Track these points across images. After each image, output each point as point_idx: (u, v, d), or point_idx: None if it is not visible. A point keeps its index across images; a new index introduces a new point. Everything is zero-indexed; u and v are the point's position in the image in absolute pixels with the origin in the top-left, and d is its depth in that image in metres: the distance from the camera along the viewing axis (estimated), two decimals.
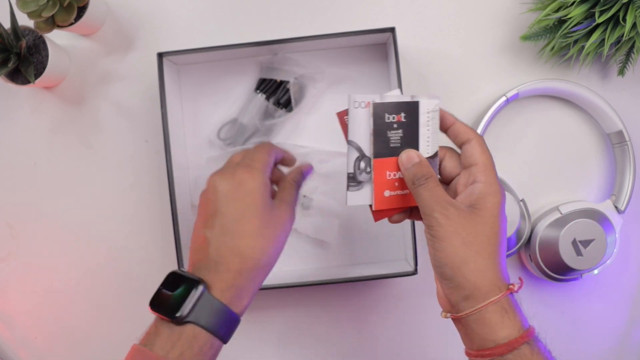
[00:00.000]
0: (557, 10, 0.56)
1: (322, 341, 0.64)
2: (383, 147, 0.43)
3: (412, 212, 0.47)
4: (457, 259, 0.40)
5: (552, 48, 0.59)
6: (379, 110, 0.43)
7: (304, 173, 0.50)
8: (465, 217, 0.41)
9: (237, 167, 0.45)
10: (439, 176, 0.45)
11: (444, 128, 0.46)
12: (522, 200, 0.58)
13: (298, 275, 0.61)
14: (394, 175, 0.44)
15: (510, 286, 0.41)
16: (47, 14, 0.55)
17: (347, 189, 0.44)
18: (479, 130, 0.59)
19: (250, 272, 0.43)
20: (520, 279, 0.43)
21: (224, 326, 0.43)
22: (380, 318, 0.63)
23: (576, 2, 0.54)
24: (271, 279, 0.60)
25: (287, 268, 0.63)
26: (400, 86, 0.56)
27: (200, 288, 0.41)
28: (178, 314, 0.40)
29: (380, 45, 0.62)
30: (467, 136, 0.44)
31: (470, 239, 0.40)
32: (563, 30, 0.56)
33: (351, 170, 0.44)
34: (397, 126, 0.44)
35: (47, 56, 0.59)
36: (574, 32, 0.56)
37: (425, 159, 0.44)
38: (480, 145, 0.43)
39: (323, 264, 0.63)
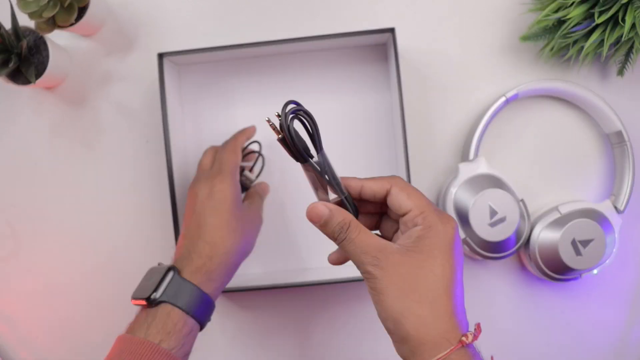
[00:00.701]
0: (556, 11, 0.56)
1: (305, 340, 0.64)
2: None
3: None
4: (396, 311, 0.36)
5: (552, 48, 0.59)
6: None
7: (265, 189, 0.61)
8: (403, 262, 0.37)
9: (210, 176, 0.54)
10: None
11: (357, 196, 0.41)
12: (522, 200, 0.58)
13: (284, 276, 0.61)
14: None
15: (463, 338, 0.35)
16: (48, 14, 0.55)
17: None
18: (478, 131, 0.59)
19: (220, 257, 0.50)
20: (477, 326, 0.38)
21: (195, 305, 0.48)
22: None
23: (575, 3, 0.54)
24: (255, 280, 0.60)
25: (272, 269, 0.64)
26: (400, 87, 0.56)
27: (171, 273, 0.48)
28: (152, 297, 0.47)
29: (380, 45, 0.63)
30: (383, 187, 0.40)
31: (410, 287, 0.36)
32: (562, 31, 0.57)
33: None
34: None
35: (47, 56, 0.59)
36: (573, 32, 0.56)
37: (335, 204, 0.39)
38: (402, 189, 0.39)
39: (303, 265, 0.63)
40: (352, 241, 0.38)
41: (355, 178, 0.41)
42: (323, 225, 0.39)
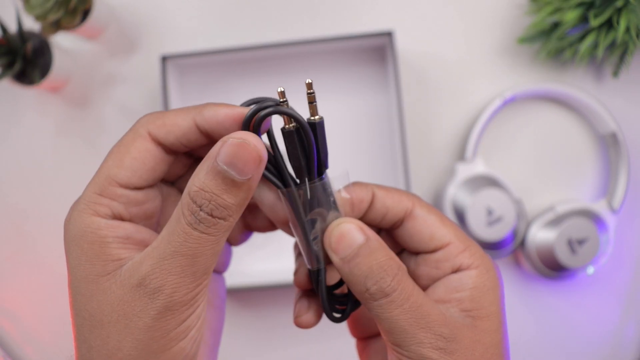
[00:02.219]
0: (552, 14, 0.57)
1: (313, 341, 0.65)
2: None
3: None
4: None
5: (548, 51, 0.60)
6: None
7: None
8: (476, 339, 0.25)
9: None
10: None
11: (359, 212, 0.27)
12: (519, 200, 0.59)
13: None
14: None
15: None
16: (52, 17, 0.56)
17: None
18: (475, 132, 0.60)
19: None
20: None
21: None
22: None
23: (571, 6, 0.55)
24: (256, 279, 0.61)
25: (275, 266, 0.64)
26: (398, 89, 0.57)
27: None
28: None
29: (378, 47, 0.63)
30: (401, 205, 0.27)
31: None
32: (558, 34, 0.57)
33: None
34: None
35: (51, 58, 0.60)
36: (569, 35, 0.57)
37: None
38: (430, 211, 0.27)
39: None
40: (405, 302, 0.24)
41: (361, 184, 0.28)
42: (349, 260, 0.25)
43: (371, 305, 0.25)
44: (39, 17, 0.56)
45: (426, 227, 0.26)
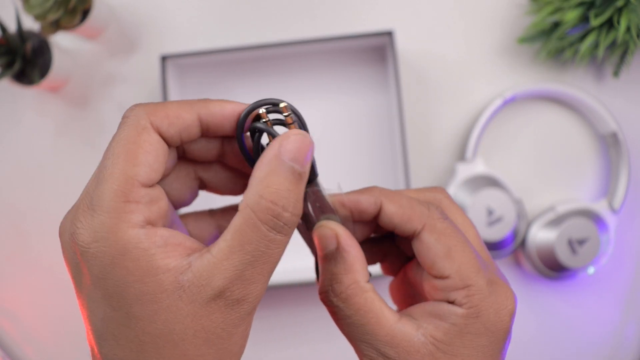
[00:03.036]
0: (552, 14, 0.57)
1: (319, 340, 0.65)
2: None
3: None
4: None
5: (548, 50, 0.60)
6: None
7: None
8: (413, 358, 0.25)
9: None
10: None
11: (365, 220, 0.28)
12: (519, 200, 0.59)
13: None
14: None
15: None
16: (52, 16, 0.56)
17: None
18: (475, 131, 0.60)
19: None
20: None
21: None
22: None
23: (571, 6, 0.55)
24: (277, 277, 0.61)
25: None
26: (398, 89, 0.57)
27: None
28: None
29: (378, 47, 0.63)
30: (410, 225, 0.26)
31: None
32: (558, 33, 0.57)
33: None
34: None
35: (51, 58, 0.60)
36: (569, 35, 0.57)
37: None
38: (441, 239, 0.26)
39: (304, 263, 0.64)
40: (347, 318, 0.25)
41: (372, 192, 0.27)
42: (322, 258, 0.27)
43: (330, 303, 0.26)
44: (38, 17, 0.56)
45: (429, 255, 0.26)
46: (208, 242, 0.29)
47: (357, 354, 0.26)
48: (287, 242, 0.23)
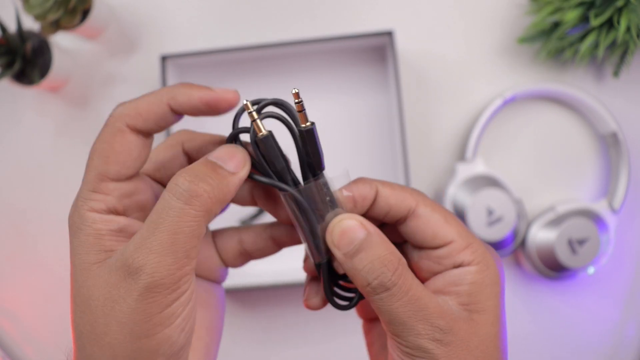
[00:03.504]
0: (552, 14, 0.57)
1: (312, 341, 0.65)
2: None
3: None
4: None
5: (548, 50, 0.60)
6: None
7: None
8: (472, 332, 0.26)
9: None
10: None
11: (361, 209, 0.28)
12: (519, 200, 0.59)
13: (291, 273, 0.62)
14: None
15: None
16: (52, 16, 0.56)
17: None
18: (475, 131, 0.60)
19: None
20: None
21: None
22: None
23: (571, 6, 0.55)
24: (256, 279, 0.61)
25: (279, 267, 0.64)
26: (398, 89, 0.57)
27: None
28: None
29: (378, 47, 0.63)
30: (404, 203, 0.28)
31: None
32: (558, 33, 0.57)
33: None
34: None
35: (51, 58, 0.60)
36: (569, 35, 0.57)
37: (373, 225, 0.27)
38: (435, 209, 0.28)
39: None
40: (404, 295, 0.25)
41: (365, 181, 0.28)
42: (351, 256, 0.26)
43: (372, 298, 0.26)
44: (38, 17, 0.56)
45: (429, 226, 0.27)
46: (231, 258, 0.32)
47: (399, 342, 0.26)
48: (193, 215, 0.24)
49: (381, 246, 0.26)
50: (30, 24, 0.60)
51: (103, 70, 0.65)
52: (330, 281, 0.29)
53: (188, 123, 0.64)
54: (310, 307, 0.30)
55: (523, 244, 0.60)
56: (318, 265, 0.28)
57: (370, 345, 0.32)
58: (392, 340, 0.26)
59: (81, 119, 0.65)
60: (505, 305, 0.27)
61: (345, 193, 0.28)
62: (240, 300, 0.65)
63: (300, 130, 0.27)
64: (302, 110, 0.26)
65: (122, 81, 0.65)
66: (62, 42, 0.64)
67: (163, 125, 0.27)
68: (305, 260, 0.30)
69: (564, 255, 0.58)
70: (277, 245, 0.31)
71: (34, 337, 0.66)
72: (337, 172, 0.29)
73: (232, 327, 0.65)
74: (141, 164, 0.27)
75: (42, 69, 0.60)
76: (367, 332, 0.33)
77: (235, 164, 0.26)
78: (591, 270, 0.60)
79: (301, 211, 0.27)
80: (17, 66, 0.57)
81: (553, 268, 0.59)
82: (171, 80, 0.60)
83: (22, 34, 0.58)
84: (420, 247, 0.28)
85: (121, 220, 0.26)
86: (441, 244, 0.27)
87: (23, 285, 0.66)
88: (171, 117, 0.27)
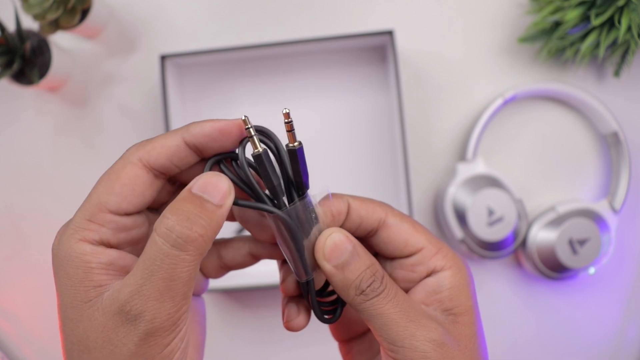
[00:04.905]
0: (553, 13, 0.57)
1: (307, 342, 0.65)
2: None
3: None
4: None
5: (549, 50, 0.60)
6: None
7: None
8: (451, 331, 0.27)
9: None
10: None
11: (338, 225, 0.29)
12: (520, 200, 0.59)
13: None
14: None
15: None
16: (51, 16, 0.56)
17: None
18: (476, 131, 0.60)
19: None
20: None
21: None
22: None
23: (572, 6, 0.55)
24: (256, 279, 0.61)
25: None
26: (399, 88, 0.57)
27: None
28: None
29: (378, 46, 0.63)
30: (375, 215, 0.29)
31: None
32: (559, 33, 0.57)
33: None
34: None
35: (50, 58, 0.59)
36: (570, 34, 0.57)
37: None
38: (402, 219, 0.29)
39: None
40: (394, 296, 0.27)
41: (335, 195, 0.29)
42: (342, 267, 0.27)
43: (364, 305, 0.27)
44: (37, 17, 0.56)
45: (400, 234, 0.28)
46: (211, 271, 0.32)
47: (395, 349, 0.26)
48: (187, 260, 0.24)
49: (366, 256, 0.28)
50: (30, 23, 0.60)
51: (102, 70, 0.65)
52: (316, 296, 0.30)
53: (186, 118, 0.63)
54: (293, 329, 0.30)
55: (524, 244, 0.60)
56: (305, 283, 0.29)
57: None
58: (388, 351, 0.27)
59: (80, 118, 0.65)
60: (477, 303, 0.29)
61: (325, 208, 0.28)
62: (240, 300, 0.65)
63: (288, 150, 0.27)
64: (291, 130, 0.27)
65: (122, 81, 0.65)
66: (61, 41, 0.64)
67: (176, 162, 0.27)
68: (284, 281, 0.30)
69: (564, 256, 0.58)
70: (255, 259, 0.31)
71: (32, 338, 0.65)
72: (316, 188, 0.29)
73: (232, 327, 0.65)
74: (144, 203, 0.27)
75: (41, 68, 0.60)
76: (347, 354, 0.33)
77: (221, 194, 0.25)
78: (592, 270, 0.59)
79: (289, 231, 0.27)
80: (16, 66, 0.57)
81: (554, 268, 0.59)
82: (170, 80, 0.60)
83: (21, 33, 0.58)
84: (393, 258, 0.29)
85: (111, 253, 0.25)
86: (413, 251, 0.28)
87: (22, 285, 0.66)
88: (185, 152, 0.27)
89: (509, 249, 0.59)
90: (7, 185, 0.66)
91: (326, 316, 0.30)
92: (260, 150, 0.26)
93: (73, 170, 0.65)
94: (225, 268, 0.32)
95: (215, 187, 0.25)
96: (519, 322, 0.64)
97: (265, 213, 0.28)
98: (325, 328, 0.65)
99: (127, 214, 0.26)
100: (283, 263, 0.31)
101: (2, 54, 0.57)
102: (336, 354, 0.64)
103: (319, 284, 0.30)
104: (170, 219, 0.24)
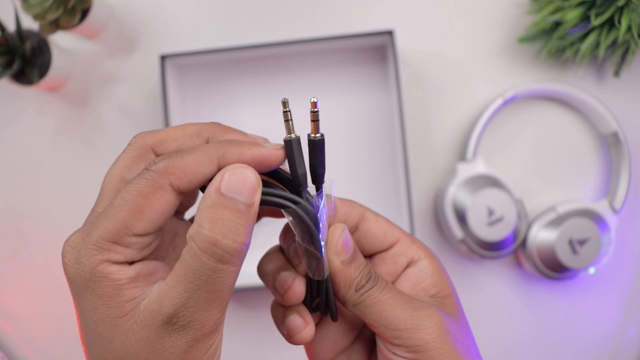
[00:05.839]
0: (553, 13, 0.57)
1: None
2: None
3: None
4: None
5: (549, 50, 0.60)
6: None
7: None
8: (443, 314, 0.28)
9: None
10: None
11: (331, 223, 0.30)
12: (520, 200, 0.59)
13: None
14: None
15: None
16: (51, 16, 0.56)
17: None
18: (476, 131, 0.60)
19: None
20: None
21: None
22: None
23: (572, 6, 0.55)
24: (256, 279, 0.61)
25: None
26: (399, 88, 0.57)
27: None
28: None
29: (379, 46, 0.63)
30: (353, 211, 0.30)
31: (459, 339, 0.28)
32: (559, 33, 0.57)
33: None
34: None
35: (50, 58, 0.59)
36: (570, 34, 0.57)
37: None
38: (375, 214, 0.31)
39: None
40: (387, 283, 0.28)
41: (328, 196, 0.29)
42: (348, 263, 0.28)
43: (361, 298, 0.28)
44: (37, 17, 0.56)
45: (379, 226, 0.30)
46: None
47: (390, 342, 0.27)
48: (233, 271, 0.24)
49: (361, 254, 0.29)
50: (30, 23, 0.60)
51: (102, 70, 0.65)
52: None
53: (186, 118, 0.63)
54: (303, 341, 0.29)
55: (524, 244, 0.60)
56: (324, 280, 0.28)
57: None
58: (389, 339, 0.27)
59: (80, 118, 0.65)
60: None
61: (332, 206, 0.29)
62: (240, 300, 0.65)
63: (310, 140, 0.27)
64: (316, 120, 0.26)
65: (122, 81, 0.65)
66: (61, 41, 0.64)
67: (206, 184, 0.25)
68: (289, 289, 0.29)
69: (564, 256, 0.58)
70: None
71: (32, 338, 0.65)
72: (335, 177, 0.29)
73: (232, 327, 0.65)
74: (167, 220, 0.26)
75: (41, 68, 0.60)
76: None
77: (250, 189, 0.24)
78: (592, 270, 0.59)
79: (312, 225, 0.27)
80: (16, 66, 0.57)
81: (554, 268, 0.59)
82: (171, 80, 0.60)
83: (21, 33, 0.58)
84: (374, 252, 0.30)
85: (136, 267, 0.25)
86: (392, 241, 0.30)
87: (22, 285, 0.66)
88: (215, 174, 0.26)
89: (509, 249, 0.59)
90: (7, 185, 0.66)
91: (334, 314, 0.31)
92: (294, 136, 0.26)
93: (73, 170, 0.65)
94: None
95: (244, 182, 0.24)
96: (518, 322, 0.64)
97: (284, 211, 0.27)
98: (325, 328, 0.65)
99: (152, 234, 0.26)
100: (277, 271, 0.30)
101: (2, 54, 0.57)
102: None
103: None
104: (207, 229, 0.23)
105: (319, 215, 0.27)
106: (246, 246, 0.24)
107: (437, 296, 0.29)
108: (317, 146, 0.27)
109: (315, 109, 0.26)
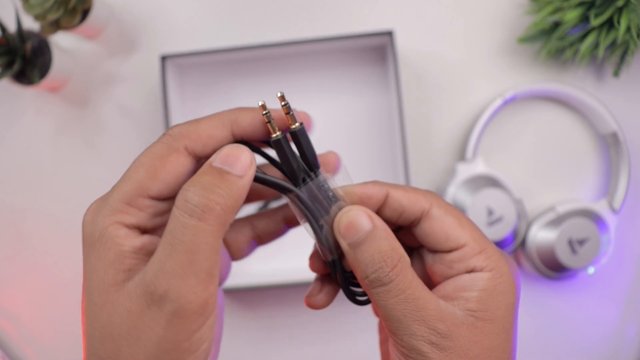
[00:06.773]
0: (552, 14, 0.57)
1: (314, 341, 0.65)
2: None
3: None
4: None
5: (549, 50, 0.60)
6: None
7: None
8: (474, 340, 0.25)
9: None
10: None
11: (373, 209, 0.28)
12: (519, 200, 0.59)
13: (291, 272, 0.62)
14: None
15: None
16: (52, 16, 0.56)
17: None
18: (476, 131, 0.60)
19: None
20: None
21: None
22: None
23: (571, 6, 0.55)
24: (257, 279, 0.61)
25: (278, 266, 0.64)
26: (399, 88, 0.57)
27: None
28: None
29: (378, 47, 0.63)
30: (417, 205, 0.27)
31: None
32: (559, 33, 0.57)
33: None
34: None
35: (51, 58, 0.60)
36: (569, 35, 0.57)
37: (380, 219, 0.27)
38: (448, 211, 0.27)
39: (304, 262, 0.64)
40: (401, 293, 0.25)
41: (376, 183, 0.28)
42: (355, 247, 0.26)
43: (369, 292, 0.26)
44: (38, 17, 0.56)
45: (442, 228, 0.27)
46: (244, 254, 0.32)
47: (396, 340, 0.25)
48: (206, 230, 0.23)
49: (384, 241, 0.26)
50: (30, 23, 0.60)
51: (103, 70, 0.65)
52: (346, 277, 0.29)
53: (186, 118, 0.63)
54: (311, 305, 0.30)
55: (523, 244, 0.60)
56: (332, 263, 0.28)
57: (382, 343, 0.31)
58: (390, 338, 0.26)
59: (81, 119, 0.65)
60: (517, 316, 0.26)
61: (345, 189, 0.28)
62: (240, 300, 0.65)
63: (292, 132, 0.27)
64: (288, 112, 0.27)
65: (122, 81, 0.65)
66: (62, 42, 0.64)
67: (218, 149, 0.26)
68: (311, 257, 0.30)
69: (564, 256, 0.58)
70: (288, 225, 0.32)
71: (33, 338, 0.66)
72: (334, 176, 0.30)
73: (232, 327, 0.65)
74: (182, 185, 0.26)
75: (41, 69, 0.60)
76: (382, 330, 0.32)
77: (242, 165, 0.24)
78: (591, 270, 0.60)
79: (307, 210, 0.28)
80: (16, 66, 0.57)
81: (553, 268, 0.59)
82: (171, 80, 0.60)
83: (21, 33, 0.58)
84: (434, 251, 0.28)
85: (144, 238, 0.25)
86: (454, 246, 0.27)
87: (22, 285, 0.66)
88: (229, 141, 0.27)
89: (509, 248, 0.59)
90: (7, 185, 0.66)
91: (359, 297, 0.29)
92: (280, 135, 0.27)
93: (74, 170, 0.65)
94: (257, 240, 0.32)
95: (237, 158, 0.24)
96: (518, 321, 0.64)
97: (285, 195, 0.28)
98: (325, 328, 0.65)
99: (166, 199, 0.26)
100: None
101: (3, 54, 0.57)
102: (336, 354, 0.64)
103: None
104: (187, 190, 0.23)
105: (321, 196, 0.27)
106: (221, 207, 0.23)
107: (474, 314, 0.25)
108: (298, 135, 0.27)
109: (284, 102, 0.27)
